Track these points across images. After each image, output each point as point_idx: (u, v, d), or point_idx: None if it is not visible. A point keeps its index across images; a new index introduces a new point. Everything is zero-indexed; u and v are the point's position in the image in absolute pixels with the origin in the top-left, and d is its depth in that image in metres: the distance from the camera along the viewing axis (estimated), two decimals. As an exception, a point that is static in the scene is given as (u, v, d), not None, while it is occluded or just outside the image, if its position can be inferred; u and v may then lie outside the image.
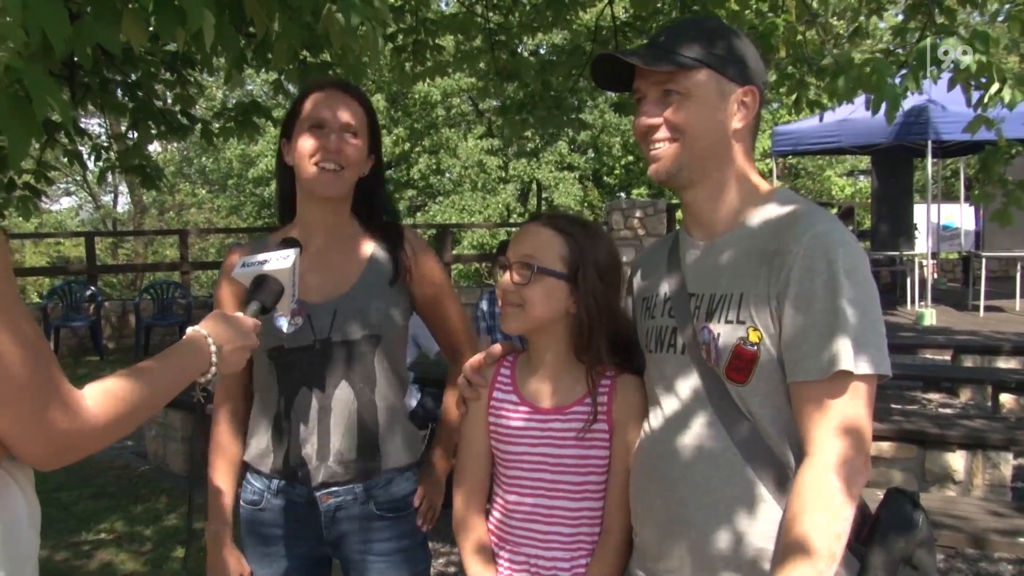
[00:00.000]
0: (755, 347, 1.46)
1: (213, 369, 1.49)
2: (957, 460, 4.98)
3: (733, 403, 1.49)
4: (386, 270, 2.04)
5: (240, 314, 1.62)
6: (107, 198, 27.02)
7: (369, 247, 2.06)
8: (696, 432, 1.53)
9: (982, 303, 11.23)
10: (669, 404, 1.59)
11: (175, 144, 21.96)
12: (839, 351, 1.37)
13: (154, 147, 22.29)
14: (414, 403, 5.04)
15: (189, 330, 1.52)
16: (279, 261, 1.74)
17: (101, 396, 1.23)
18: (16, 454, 1.15)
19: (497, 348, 1.85)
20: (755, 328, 1.46)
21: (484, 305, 5.58)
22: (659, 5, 5.98)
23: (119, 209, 27.03)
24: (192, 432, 5.87)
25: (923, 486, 4.99)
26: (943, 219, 14.56)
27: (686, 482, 1.52)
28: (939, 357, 8.76)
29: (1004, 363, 8.06)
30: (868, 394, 1.40)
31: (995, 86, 3.58)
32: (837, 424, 1.38)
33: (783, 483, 1.45)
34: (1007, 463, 4.95)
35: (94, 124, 17.40)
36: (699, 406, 1.53)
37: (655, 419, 1.62)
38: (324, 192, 1.96)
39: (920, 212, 12.95)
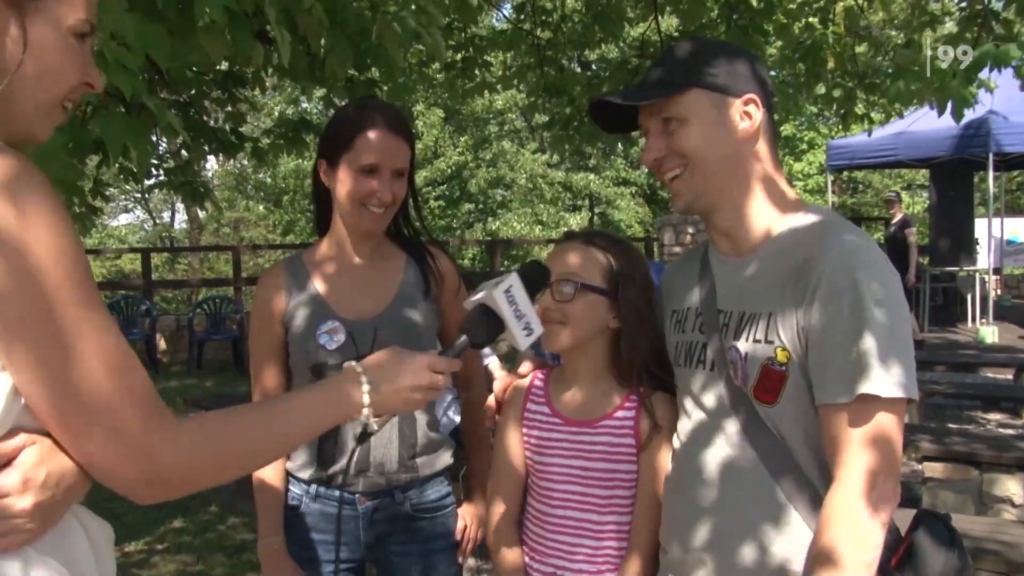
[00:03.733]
0: (783, 368, 1.42)
1: (366, 411, 1.30)
2: (1016, 483, 4.81)
3: (761, 423, 1.46)
4: (419, 286, 2.09)
5: (417, 354, 1.39)
6: (166, 215, 27.67)
7: (401, 263, 2.12)
8: (725, 450, 1.50)
9: (1046, 320, 10.89)
10: (698, 420, 1.57)
11: (233, 160, 22.47)
12: (865, 374, 1.33)
13: (211, 164, 22.86)
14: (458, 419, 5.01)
15: (345, 365, 1.35)
16: (491, 288, 1.47)
17: (210, 430, 1.10)
18: (104, 480, 1.04)
19: (527, 367, 1.86)
20: (783, 348, 1.43)
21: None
22: (707, 20, 5.92)
23: (176, 226, 27.64)
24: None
25: (981, 509, 4.82)
26: (1007, 233, 14.17)
27: (714, 500, 1.50)
28: (1001, 376, 8.50)
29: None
30: (897, 417, 1.35)
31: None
32: (865, 449, 1.33)
33: (814, 504, 1.41)
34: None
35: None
36: (728, 423, 1.51)
37: (684, 434, 1.60)
38: (372, 232, 2.04)
39: (982, 226, 12.62)
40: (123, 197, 24.96)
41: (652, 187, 24.47)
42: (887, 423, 1.34)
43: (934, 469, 4.89)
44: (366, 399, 1.29)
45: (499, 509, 1.86)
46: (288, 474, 2.10)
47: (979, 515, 4.71)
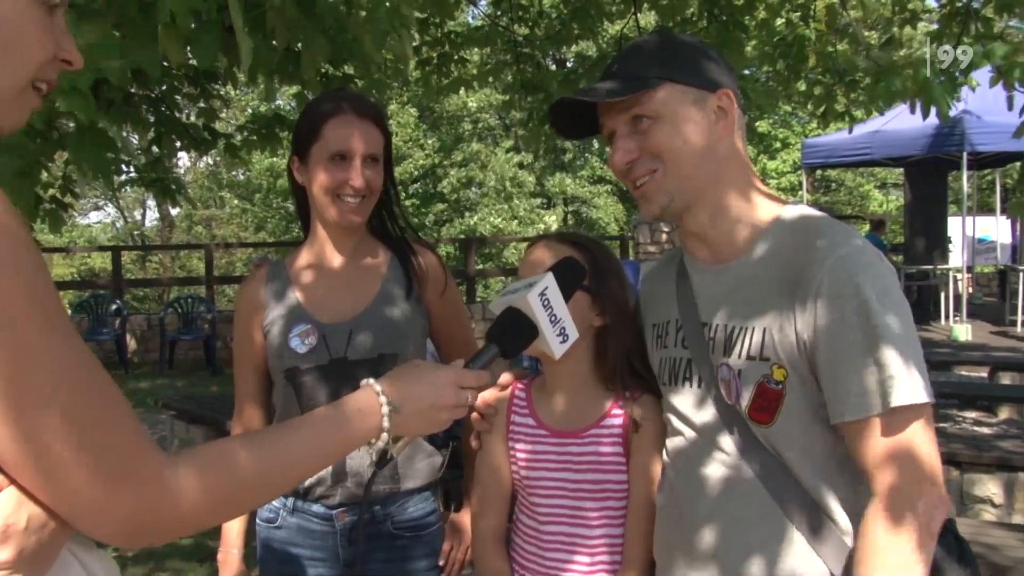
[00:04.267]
0: (780, 386, 1.34)
1: (385, 436, 1.16)
2: (995, 483, 4.80)
3: (757, 443, 1.38)
4: (401, 285, 2.00)
5: (442, 369, 1.25)
6: (138, 212, 27.31)
7: (384, 262, 2.03)
8: (721, 468, 1.42)
9: (1019, 318, 10.96)
10: (690, 440, 1.48)
11: (206, 158, 22.22)
12: (892, 384, 1.25)
13: (184, 160, 22.58)
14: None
15: (363, 383, 1.20)
16: (524, 291, 1.33)
17: (201, 466, 0.96)
18: (83, 531, 0.92)
19: (507, 378, 1.77)
20: (780, 366, 1.34)
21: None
22: (686, 15, 5.87)
23: (148, 224, 27.32)
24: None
25: (962, 510, 4.82)
26: (978, 232, 14.29)
27: (714, 521, 1.42)
28: (975, 374, 8.54)
29: (1044, 381, 7.83)
30: (928, 420, 1.29)
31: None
32: (906, 460, 1.26)
33: (816, 526, 1.34)
34: (1050, 487, 4.78)
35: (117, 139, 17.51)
36: (722, 441, 1.42)
37: (675, 452, 1.52)
38: (349, 224, 1.93)
39: (955, 225, 12.70)
40: (93, 194, 24.60)
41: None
42: (922, 429, 1.28)
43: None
44: (386, 423, 1.15)
45: (484, 527, 1.76)
46: None
47: (959, 516, 4.70)
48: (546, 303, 1.32)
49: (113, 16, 2.23)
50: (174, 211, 23.59)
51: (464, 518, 2.11)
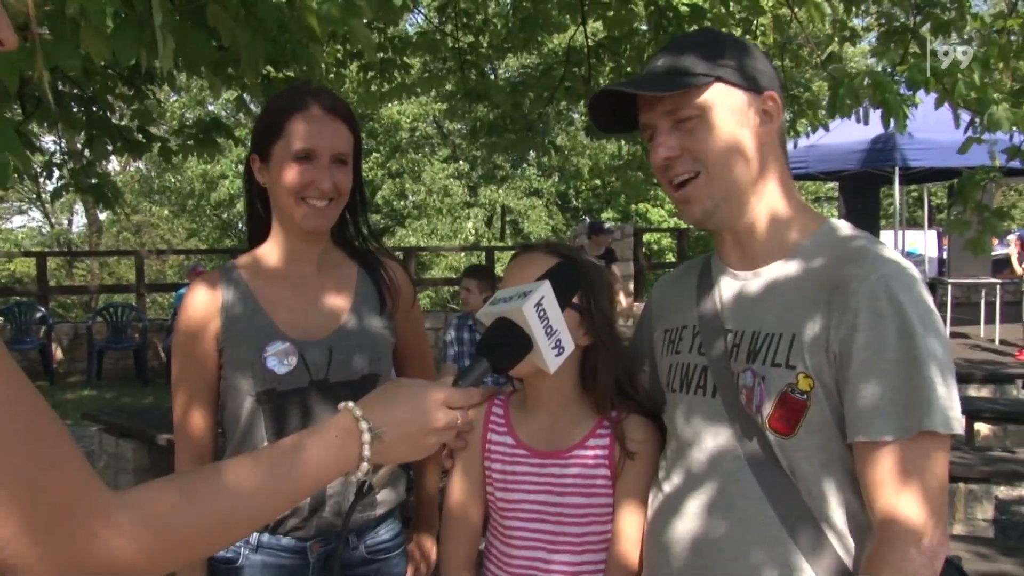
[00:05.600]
0: (805, 396, 1.28)
1: (365, 466, 1.03)
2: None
3: (772, 456, 1.32)
4: (373, 299, 1.88)
5: (429, 388, 1.11)
6: (64, 217, 26.49)
7: (353, 274, 1.89)
8: (727, 488, 1.35)
9: (948, 330, 11.23)
10: (695, 453, 1.41)
11: (137, 162, 21.63)
12: (924, 407, 1.20)
13: (113, 165, 21.96)
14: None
15: (340, 407, 1.07)
16: (518, 300, 1.20)
17: (148, 513, 0.85)
18: None
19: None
20: (807, 375, 1.28)
21: (452, 332, 5.38)
22: (634, 26, 5.88)
23: (75, 229, 26.52)
24: (149, 464, 5.60)
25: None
26: (907, 246, 14.65)
27: (712, 544, 1.34)
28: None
29: (976, 391, 8.00)
30: (946, 455, 1.24)
31: (993, 108, 3.51)
32: (917, 491, 1.21)
33: (820, 550, 1.28)
34: (989, 498, 4.85)
35: (48, 141, 17.00)
36: (731, 458, 1.35)
37: (677, 469, 1.44)
38: (314, 229, 1.78)
39: (887, 238, 13.00)
40: (16, 198, 23.77)
41: (565, 195, 24.55)
42: (940, 461, 1.22)
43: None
44: (367, 451, 1.02)
45: (454, 553, 1.65)
46: None
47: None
48: (542, 314, 1.19)
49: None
50: (102, 216, 22.91)
51: (425, 541, 2.02)
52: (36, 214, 26.73)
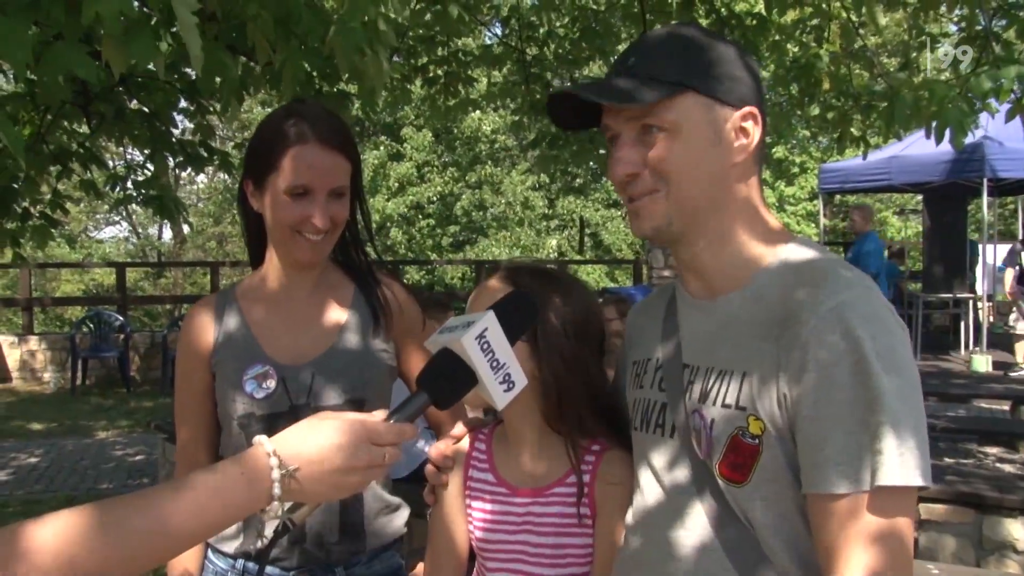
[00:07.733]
0: (756, 441, 1.15)
1: (275, 504, 0.99)
2: (1018, 528, 4.56)
3: (726, 505, 1.18)
4: (366, 320, 1.80)
5: (354, 422, 1.05)
6: (153, 229, 27.37)
7: (349, 295, 1.82)
8: (683, 538, 1.22)
9: (1043, 345, 10.66)
10: (655, 495, 1.29)
11: (225, 174, 22.14)
12: (878, 458, 1.06)
13: (201, 177, 22.56)
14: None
15: (254, 440, 1.03)
16: (460, 331, 1.14)
17: (17, 553, 0.80)
18: None
19: (461, 429, 1.57)
20: (757, 418, 1.14)
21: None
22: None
23: (164, 240, 27.34)
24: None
25: (980, 555, 4.57)
26: (997, 260, 13.99)
27: None
28: (996, 407, 8.26)
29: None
30: (910, 508, 1.09)
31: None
32: (873, 548, 1.06)
33: None
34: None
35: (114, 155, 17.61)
36: (690, 502, 1.22)
37: (640, 509, 1.32)
38: (310, 262, 1.73)
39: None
40: (104, 210, 24.63)
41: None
42: (901, 516, 1.07)
43: (933, 511, 4.64)
44: (276, 490, 0.97)
45: None
46: (207, 545, 1.80)
47: (978, 564, 4.45)
48: (485, 346, 1.11)
49: (35, 13, 2.09)
50: (186, 228, 23.58)
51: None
52: (125, 226, 27.69)
